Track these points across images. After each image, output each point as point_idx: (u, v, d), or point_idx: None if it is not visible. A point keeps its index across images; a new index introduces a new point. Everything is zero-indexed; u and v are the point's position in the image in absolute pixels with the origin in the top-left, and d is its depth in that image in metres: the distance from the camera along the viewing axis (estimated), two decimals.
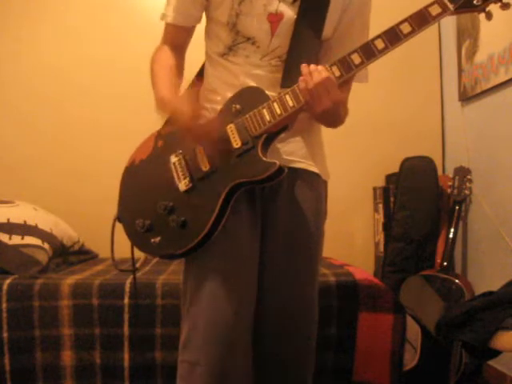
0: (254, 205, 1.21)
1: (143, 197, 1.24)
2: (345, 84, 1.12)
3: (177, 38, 1.31)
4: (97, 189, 2.79)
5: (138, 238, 1.22)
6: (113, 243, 1.34)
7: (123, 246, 1.31)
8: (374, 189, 2.88)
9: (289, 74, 1.18)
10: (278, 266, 1.24)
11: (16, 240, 2.03)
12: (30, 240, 2.06)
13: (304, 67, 1.08)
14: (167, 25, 1.30)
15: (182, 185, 1.17)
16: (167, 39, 1.31)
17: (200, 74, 1.36)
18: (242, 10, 1.18)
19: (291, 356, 1.26)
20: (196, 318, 1.14)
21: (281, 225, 1.24)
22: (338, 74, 1.07)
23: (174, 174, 1.19)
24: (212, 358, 1.11)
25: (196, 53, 1.36)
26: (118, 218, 1.29)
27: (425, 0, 1.06)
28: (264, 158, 1.11)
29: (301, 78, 1.08)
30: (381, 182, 2.88)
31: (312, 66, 1.07)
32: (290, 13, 1.19)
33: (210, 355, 1.11)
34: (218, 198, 1.12)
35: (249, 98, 1.15)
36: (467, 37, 2.51)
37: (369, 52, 1.05)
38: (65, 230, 2.40)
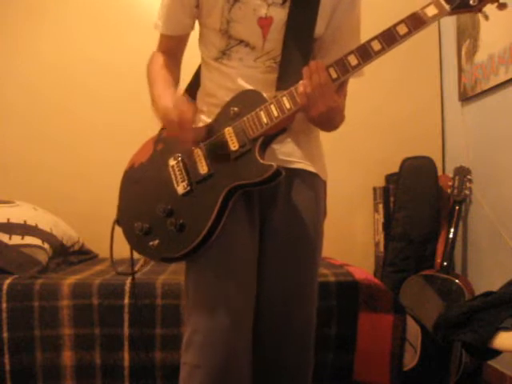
0: (253, 206, 1.21)
1: (142, 200, 1.24)
2: (340, 88, 1.11)
3: (170, 47, 1.32)
4: (97, 189, 2.79)
5: (136, 241, 1.22)
6: (112, 246, 1.34)
7: (122, 246, 1.31)
8: (374, 189, 2.88)
9: (284, 76, 1.18)
10: (277, 266, 1.23)
11: (16, 240, 2.03)
12: (30, 240, 2.06)
13: (306, 71, 1.07)
14: (160, 34, 1.31)
15: (180, 188, 1.17)
16: (161, 48, 1.32)
17: (196, 77, 1.36)
18: (232, 17, 1.18)
19: (289, 358, 1.25)
20: (196, 320, 1.14)
21: (279, 225, 1.24)
22: (334, 75, 1.07)
23: (173, 177, 1.19)
24: (212, 361, 1.10)
25: (191, 55, 1.36)
26: (117, 222, 1.29)
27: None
28: (261, 161, 1.11)
29: (301, 81, 1.08)
30: (381, 182, 2.88)
31: (312, 67, 1.07)
32: (279, 16, 1.19)
33: (211, 358, 1.11)
34: (216, 200, 1.12)
35: (247, 100, 1.16)
36: (467, 37, 2.51)
37: (365, 53, 1.05)
38: (65, 230, 2.40)
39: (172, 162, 1.21)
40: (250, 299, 1.18)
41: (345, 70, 1.06)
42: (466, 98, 2.56)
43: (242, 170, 1.12)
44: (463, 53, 2.57)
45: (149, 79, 1.28)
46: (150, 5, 2.79)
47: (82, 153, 2.83)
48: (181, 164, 1.19)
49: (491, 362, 2.21)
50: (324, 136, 1.36)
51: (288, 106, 1.10)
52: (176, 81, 1.30)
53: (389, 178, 2.85)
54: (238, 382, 1.14)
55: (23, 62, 2.86)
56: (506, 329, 1.34)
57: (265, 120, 1.11)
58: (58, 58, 2.85)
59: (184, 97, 1.17)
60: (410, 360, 1.92)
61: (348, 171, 2.81)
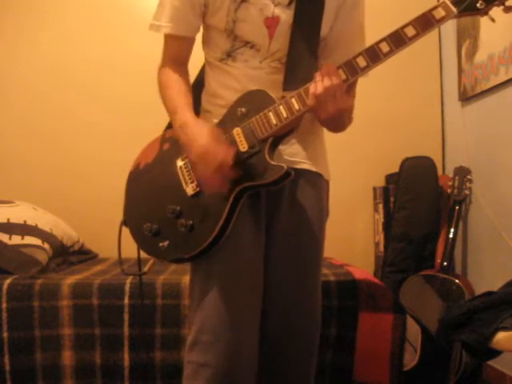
0: (259, 207, 1.21)
1: (150, 201, 1.23)
2: (349, 89, 1.11)
3: (179, 52, 1.27)
4: (97, 189, 2.79)
5: (145, 243, 1.22)
6: (120, 248, 1.33)
7: (126, 246, 1.31)
8: (374, 189, 2.88)
9: (290, 77, 1.18)
10: (282, 265, 1.24)
11: (16, 240, 2.03)
12: (30, 240, 2.06)
13: (318, 74, 1.07)
14: (167, 38, 1.25)
15: (190, 189, 1.17)
16: (169, 56, 1.26)
17: (199, 77, 1.35)
18: (238, 16, 1.18)
19: (292, 359, 1.26)
20: (203, 320, 1.14)
21: (284, 224, 1.24)
22: (343, 77, 1.07)
23: (181, 178, 1.19)
24: (219, 360, 1.11)
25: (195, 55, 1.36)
26: (125, 222, 1.28)
27: (424, 1, 1.06)
28: (271, 162, 1.11)
29: (312, 82, 1.07)
30: (381, 182, 2.88)
31: (324, 70, 1.07)
32: (285, 16, 1.18)
33: (217, 356, 1.11)
34: (226, 201, 1.11)
35: (254, 100, 1.15)
36: (467, 37, 2.51)
37: (374, 55, 1.05)
38: (65, 230, 2.40)
39: (180, 163, 1.20)
40: (256, 299, 1.18)
41: (353, 71, 1.06)
42: (466, 97, 2.55)
43: (251, 170, 1.11)
44: (463, 53, 2.57)
45: (165, 95, 1.23)
46: (150, 5, 2.78)
47: (81, 153, 2.83)
48: (189, 165, 1.18)
49: (491, 362, 2.21)
50: (324, 135, 1.36)
51: (297, 107, 1.10)
52: (191, 92, 1.26)
53: (389, 177, 2.85)
54: (244, 381, 1.14)
55: (23, 61, 2.86)
56: (506, 329, 1.34)
57: (274, 121, 1.11)
58: (58, 57, 2.85)
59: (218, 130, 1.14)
60: (410, 360, 1.92)
61: (348, 171, 2.81)
